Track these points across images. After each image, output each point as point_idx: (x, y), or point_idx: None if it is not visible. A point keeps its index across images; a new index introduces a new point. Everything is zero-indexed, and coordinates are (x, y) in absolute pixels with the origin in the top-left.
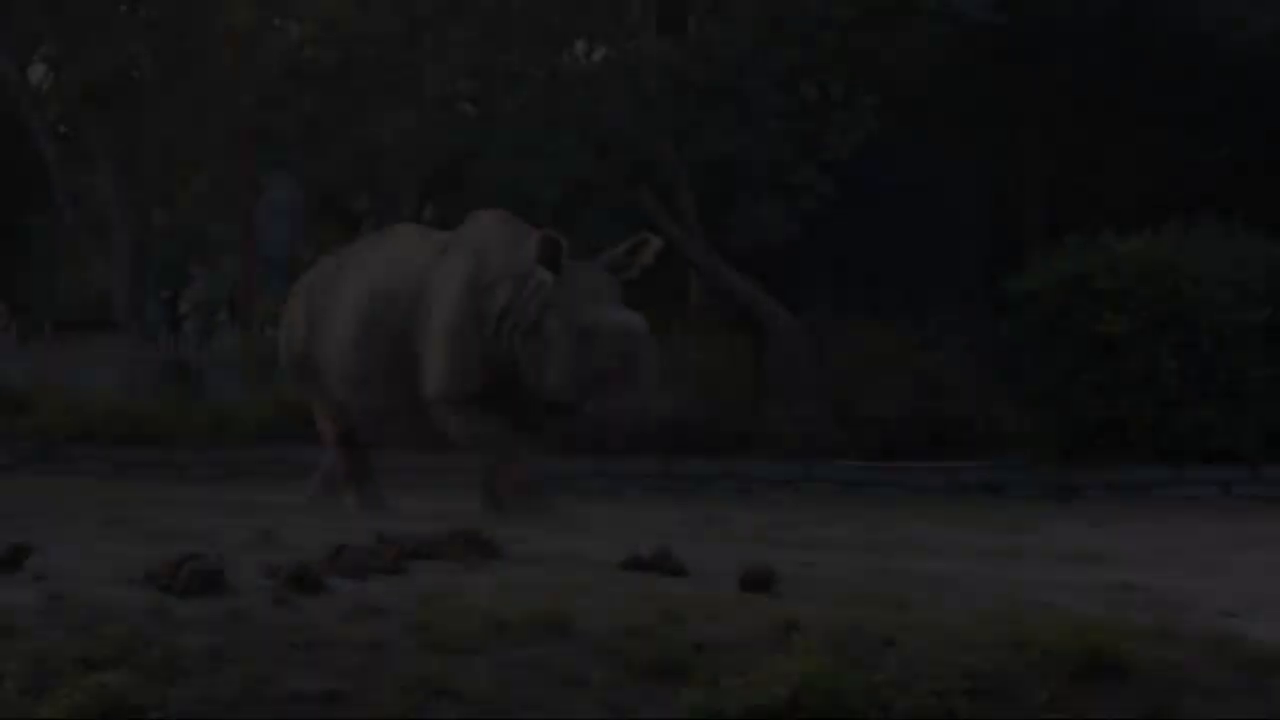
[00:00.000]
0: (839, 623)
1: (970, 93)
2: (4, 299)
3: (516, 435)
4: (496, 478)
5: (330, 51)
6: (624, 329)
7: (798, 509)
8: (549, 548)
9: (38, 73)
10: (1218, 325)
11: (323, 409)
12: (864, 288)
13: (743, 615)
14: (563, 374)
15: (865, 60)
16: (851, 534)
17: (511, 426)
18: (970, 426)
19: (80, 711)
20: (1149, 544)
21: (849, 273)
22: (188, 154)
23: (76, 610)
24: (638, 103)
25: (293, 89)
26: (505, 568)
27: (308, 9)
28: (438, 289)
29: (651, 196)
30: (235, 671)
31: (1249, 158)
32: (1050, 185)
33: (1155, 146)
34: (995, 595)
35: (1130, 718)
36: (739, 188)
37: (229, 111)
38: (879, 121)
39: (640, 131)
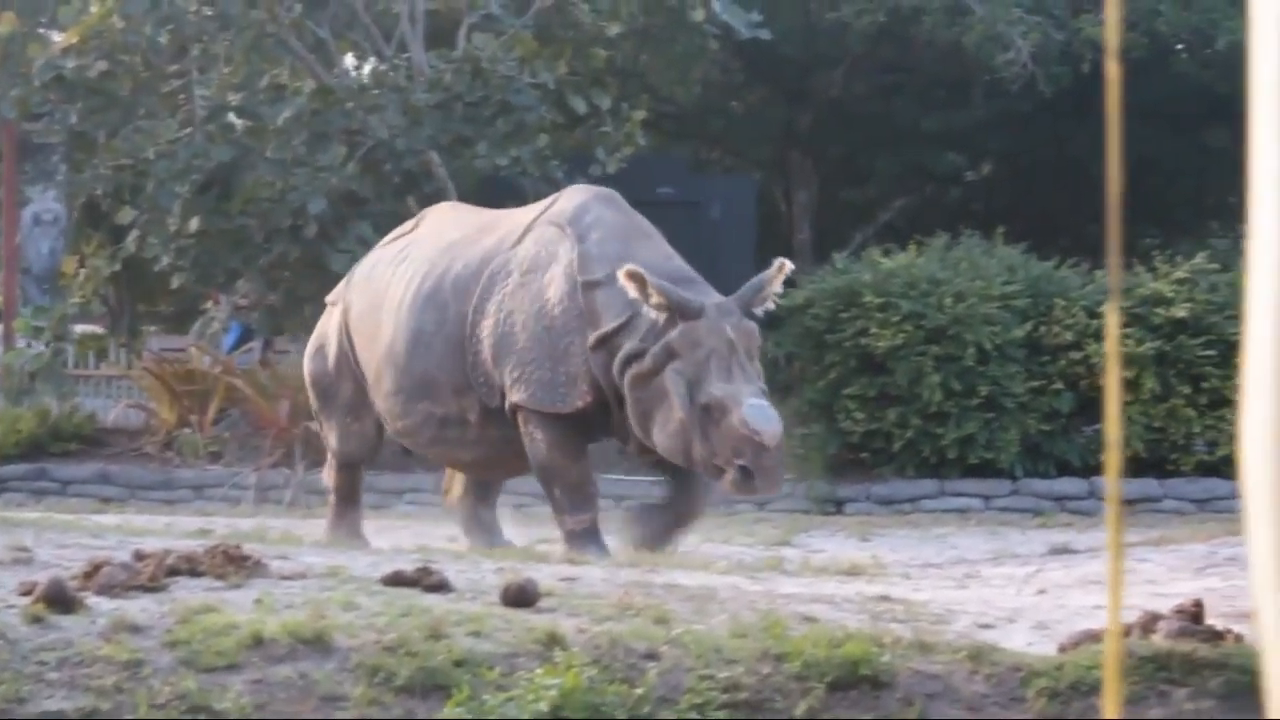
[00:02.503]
0: (601, 637)
1: (739, 108)
2: None
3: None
4: (563, 523)
5: (95, 62)
6: (758, 428)
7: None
8: (313, 563)
9: None
10: (980, 340)
11: (344, 433)
12: None
13: (505, 630)
14: (676, 440)
15: (635, 75)
16: (618, 548)
17: (590, 467)
18: None
19: None
20: (910, 556)
21: None
22: None
23: None
24: (406, 117)
25: (56, 99)
26: (267, 584)
27: (72, 18)
28: (525, 277)
29: (420, 210)
30: None
31: (1010, 174)
32: (818, 201)
33: (920, 163)
34: (757, 608)
35: None
36: (508, 202)
37: None
38: (648, 137)
39: (409, 145)
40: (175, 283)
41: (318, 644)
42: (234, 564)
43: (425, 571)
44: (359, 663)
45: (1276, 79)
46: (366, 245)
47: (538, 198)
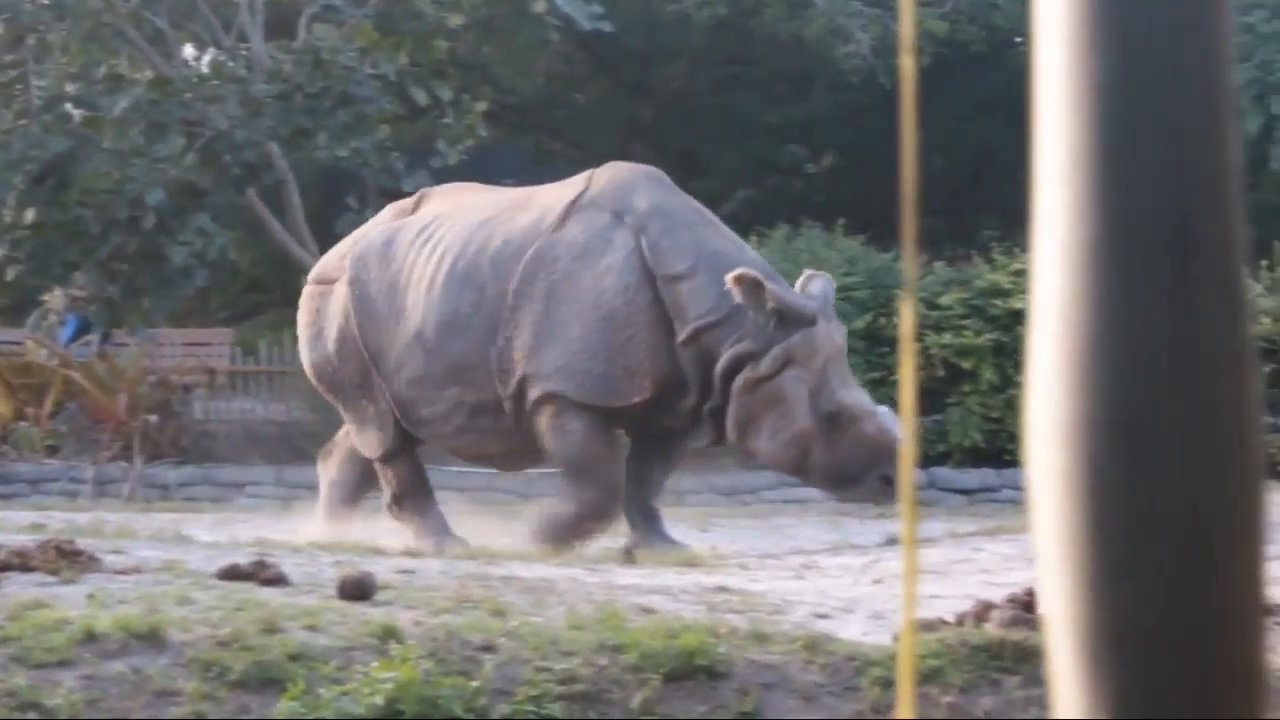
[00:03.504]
0: (438, 630)
1: (582, 100)
2: None
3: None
4: (559, 510)
5: None
6: (897, 434)
7: None
8: (148, 557)
9: None
10: None
11: (365, 419)
12: None
13: (342, 624)
14: (789, 449)
15: (477, 66)
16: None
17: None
18: None
19: None
20: (749, 547)
21: None
22: None
23: None
24: (246, 108)
25: None
26: (100, 579)
27: None
28: (575, 264)
29: (260, 201)
30: None
31: (851, 167)
32: None
33: (762, 155)
34: (595, 600)
35: (722, 718)
36: (349, 193)
37: None
38: (490, 128)
39: (248, 136)
40: (10, 275)
41: (151, 639)
42: (67, 559)
43: (261, 565)
44: (192, 658)
45: (1061, 75)
46: (206, 236)
47: (379, 189)
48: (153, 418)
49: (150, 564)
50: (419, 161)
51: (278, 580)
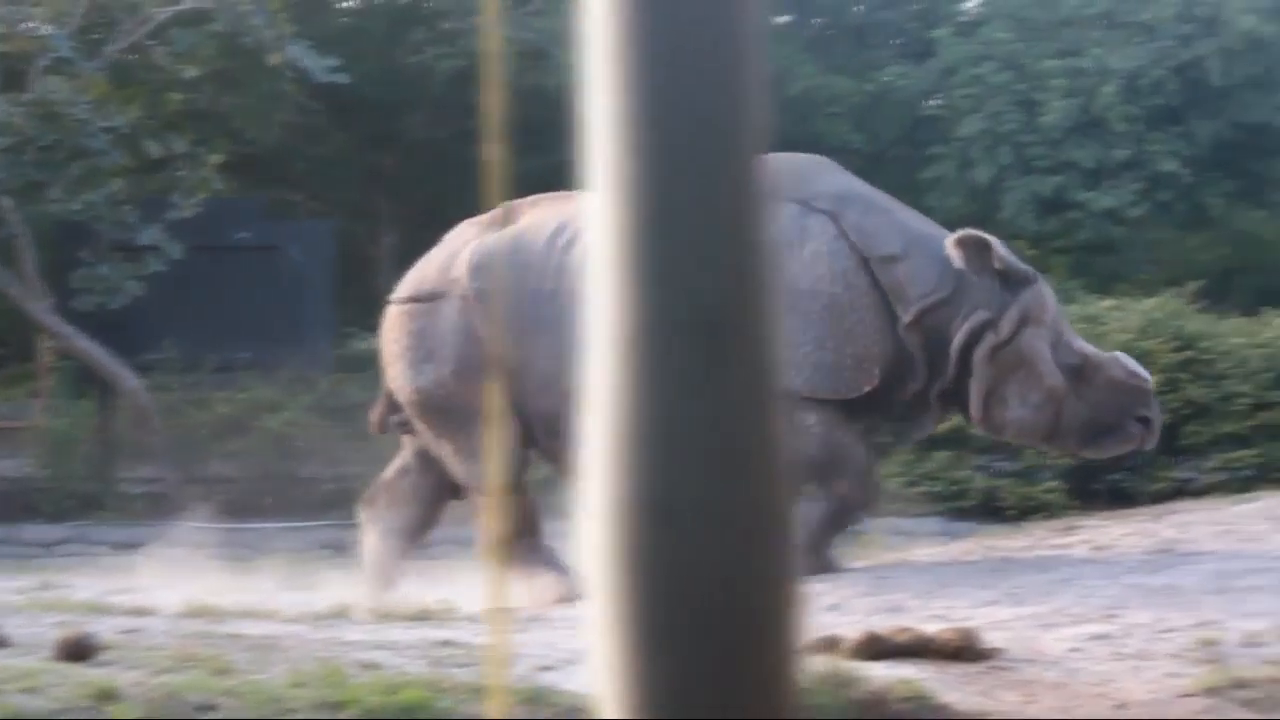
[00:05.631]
0: (158, 690)
1: (323, 151)
2: None
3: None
4: (810, 512)
5: None
6: (1147, 375)
7: (142, 573)
8: None
9: None
10: None
11: (478, 449)
12: (213, 347)
13: (60, 686)
14: (1041, 412)
15: (216, 118)
16: (186, 597)
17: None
18: (320, 485)
19: None
20: (479, 600)
21: (198, 332)
22: None
23: None
24: None
25: None
26: None
27: None
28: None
29: None
30: None
31: None
32: (406, 243)
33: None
34: (319, 657)
35: None
36: (83, 247)
37: None
38: (228, 180)
39: None
40: None
41: None
42: None
43: None
44: None
45: (603, 170)
46: None
47: (114, 244)
48: None
49: None
50: (153, 214)
51: None
